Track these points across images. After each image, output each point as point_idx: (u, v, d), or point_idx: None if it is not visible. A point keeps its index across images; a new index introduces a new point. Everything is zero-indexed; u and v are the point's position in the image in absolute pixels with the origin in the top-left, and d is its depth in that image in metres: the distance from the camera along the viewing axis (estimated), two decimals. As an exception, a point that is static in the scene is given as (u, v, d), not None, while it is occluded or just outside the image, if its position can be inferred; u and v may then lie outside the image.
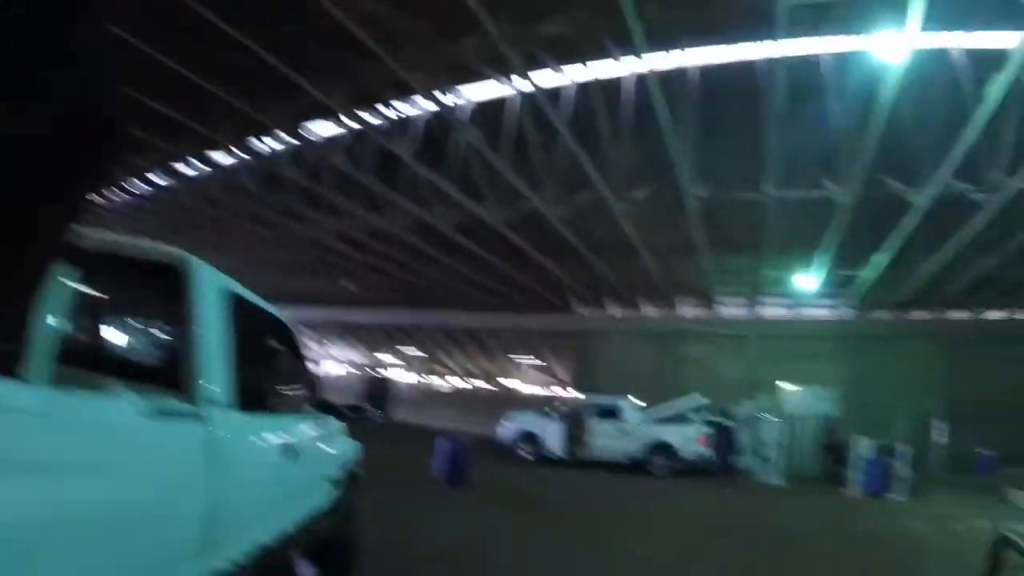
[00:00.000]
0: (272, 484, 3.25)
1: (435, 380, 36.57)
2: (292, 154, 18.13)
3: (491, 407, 25.47)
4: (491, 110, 14.62)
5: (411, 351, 36.72)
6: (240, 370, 2.81)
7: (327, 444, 4.37)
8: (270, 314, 3.77)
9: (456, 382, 36.38)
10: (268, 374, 3.67)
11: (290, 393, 4.06)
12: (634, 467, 17.39)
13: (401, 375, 40.45)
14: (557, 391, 29.59)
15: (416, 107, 15.43)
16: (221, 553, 2.52)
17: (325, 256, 26.67)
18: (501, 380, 33.17)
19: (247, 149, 18.05)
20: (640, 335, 26.32)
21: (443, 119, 14.90)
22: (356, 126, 15.76)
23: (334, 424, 4.73)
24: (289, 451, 3.38)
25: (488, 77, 13.41)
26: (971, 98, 10.68)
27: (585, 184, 15.17)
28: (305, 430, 3.91)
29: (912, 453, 15.85)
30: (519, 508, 10.85)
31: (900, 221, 14.88)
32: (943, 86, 11.45)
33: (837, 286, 22.28)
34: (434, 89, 13.42)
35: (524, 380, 33.37)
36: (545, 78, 13.03)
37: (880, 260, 17.56)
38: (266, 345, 3.73)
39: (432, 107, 14.75)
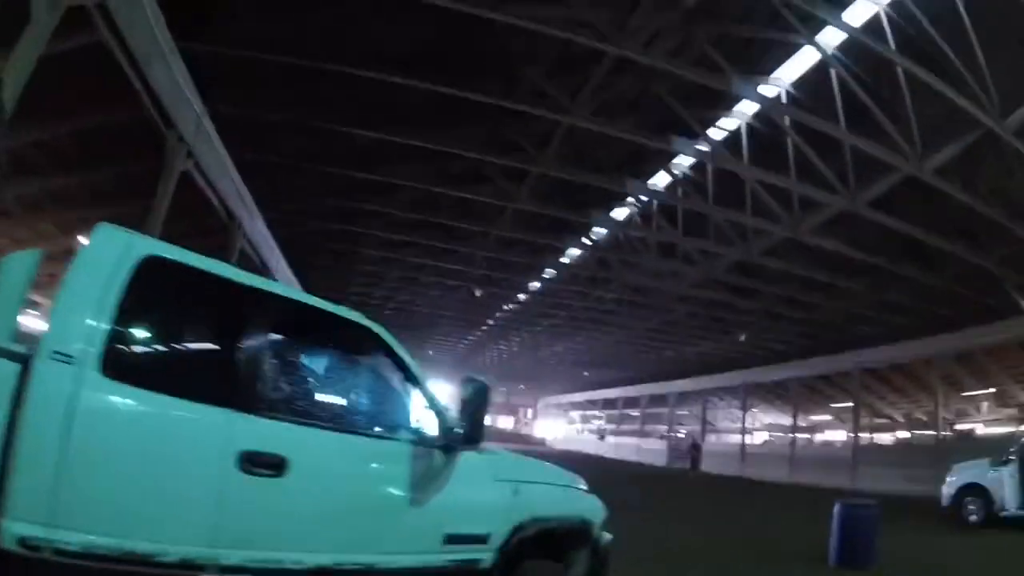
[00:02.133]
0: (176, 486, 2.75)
1: (872, 434, 31.25)
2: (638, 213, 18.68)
3: (939, 458, 20.07)
4: (812, 80, 12.87)
5: (834, 403, 32.28)
6: (146, 341, 3.00)
7: (438, 483, 3.59)
8: (270, 297, 3.32)
9: (896, 432, 30.66)
10: (222, 358, 3.22)
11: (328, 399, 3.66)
12: None
13: (832, 434, 35.83)
14: None
15: (734, 116, 14.63)
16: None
17: (705, 312, 25.88)
18: (951, 422, 26.89)
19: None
20: None
21: (764, 113, 13.74)
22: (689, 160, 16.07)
23: (503, 461, 4.18)
24: (268, 463, 2.92)
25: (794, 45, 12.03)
26: None
27: (960, 126, 12.00)
28: (337, 450, 3.29)
29: None
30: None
31: None
32: None
33: None
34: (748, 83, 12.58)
35: (982, 418, 26.54)
36: (855, 13, 11.29)
37: None
38: (240, 329, 3.19)
39: (752, 107, 13.82)
